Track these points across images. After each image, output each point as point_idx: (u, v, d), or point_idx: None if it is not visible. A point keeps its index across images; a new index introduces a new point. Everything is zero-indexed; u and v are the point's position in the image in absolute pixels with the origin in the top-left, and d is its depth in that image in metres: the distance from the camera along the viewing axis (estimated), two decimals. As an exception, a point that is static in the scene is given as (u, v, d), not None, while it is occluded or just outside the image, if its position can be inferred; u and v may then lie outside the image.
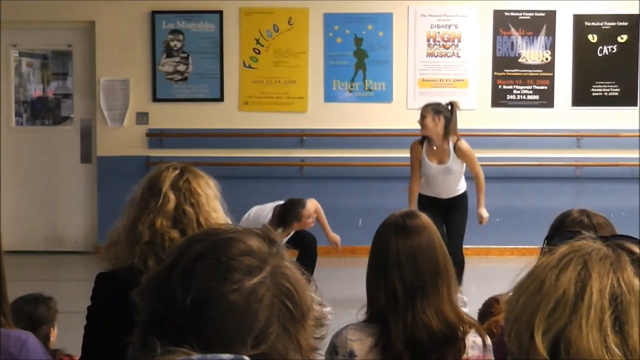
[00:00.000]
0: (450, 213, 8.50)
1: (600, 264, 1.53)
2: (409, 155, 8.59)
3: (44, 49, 11.69)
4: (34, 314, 4.81)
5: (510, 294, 1.65)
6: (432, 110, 8.38)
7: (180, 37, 11.18)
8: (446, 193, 8.56)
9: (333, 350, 3.23)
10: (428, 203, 8.42)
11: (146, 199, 3.34)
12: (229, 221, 3.33)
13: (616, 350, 1.47)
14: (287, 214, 8.31)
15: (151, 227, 3.29)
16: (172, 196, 3.31)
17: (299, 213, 8.33)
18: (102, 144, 11.23)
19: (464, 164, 8.50)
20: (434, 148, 8.41)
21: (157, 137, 11.17)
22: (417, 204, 8.52)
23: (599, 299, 1.49)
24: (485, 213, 8.71)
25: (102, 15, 11.11)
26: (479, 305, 5.21)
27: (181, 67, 11.20)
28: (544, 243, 3.70)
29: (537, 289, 1.55)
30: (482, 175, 8.65)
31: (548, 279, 1.55)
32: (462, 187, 8.62)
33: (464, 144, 8.42)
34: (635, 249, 1.58)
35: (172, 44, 11.18)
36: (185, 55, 11.19)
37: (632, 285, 1.51)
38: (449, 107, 8.45)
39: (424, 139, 8.49)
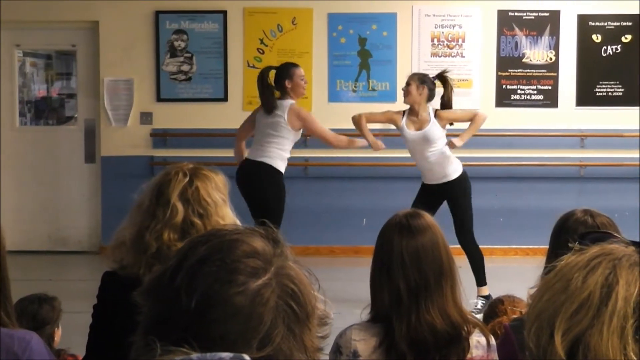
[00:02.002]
0: (449, 204, 8.34)
1: (629, 271, 1.52)
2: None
3: (47, 49, 11.69)
4: (38, 314, 4.81)
5: (535, 289, 1.63)
6: (417, 79, 8.40)
7: (184, 37, 11.18)
8: (431, 175, 8.40)
9: (337, 350, 3.24)
10: (421, 191, 8.40)
11: (154, 208, 3.32)
12: (238, 222, 3.31)
13: (635, 359, 1.46)
14: (279, 73, 8.32)
15: (158, 238, 3.26)
16: (180, 207, 3.28)
17: (291, 70, 8.29)
18: (106, 144, 11.24)
19: (444, 131, 8.37)
20: (415, 119, 8.38)
21: (161, 137, 11.17)
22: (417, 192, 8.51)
23: (624, 306, 1.48)
24: (458, 142, 8.33)
25: (106, 15, 11.12)
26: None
27: (185, 67, 11.20)
28: (550, 245, 3.71)
29: (563, 288, 1.55)
30: (481, 114, 8.47)
31: (575, 280, 1.54)
32: (451, 170, 8.37)
33: (443, 110, 8.40)
34: None
35: (176, 43, 11.18)
36: (189, 55, 11.19)
37: None
38: (437, 79, 8.48)
39: (405, 110, 8.47)
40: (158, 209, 3.30)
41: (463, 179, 8.39)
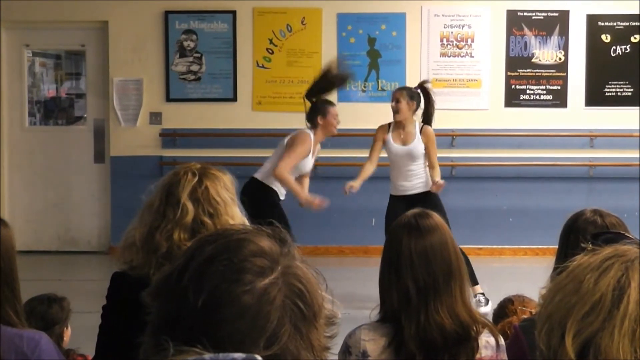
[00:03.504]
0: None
1: None
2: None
3: (57, 49, 11.71)
4: (47, 314, 4.82)
5: (546, 289, 1.63)
6: (407, 95, 8.39)
7: (194, 37, 11.19)
8: (411, 185, 8.44)
9: (346, 350, 3.23)
10: (396, 203, 8.34)
11: (164, 208, 3.32)
12: (246, 222, 3.32)
13: None
14: (314, 107, 8.16)
15: (169, 238, 3.27)
16: (190, 207, 3.29)
17: (325, 108, 8.14)
18: (116, 144, 11.25)
19: (424, 153, 8.37)
20: (401, 132, 8.42)
21: (171, 137, 11.19)
22: (388, 206, 8.54)
23: (635, 309, 1.48)
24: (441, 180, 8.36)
25: (115, 15, 11.13)
26: (493, 305, 5.19)
27: (194, 67, 11.22)
28: (559, 245, 3.71)
29: (575, 289, 1.54)
30: (437, 167, 8.41)
31: (587, 281, 1.53)
32: (427, 182, 8.41)
33: (430, 128, 8.40)
34: None
35: (185, 44, 11.19)
36: (198, 55, 11.20)
37: None
38: (420, 90, 8.49)
39: (390, 123, 8.49)
40: (168, 209, 3.31)
41: (437, 194, 8.40)
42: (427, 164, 8.40)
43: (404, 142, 8.40)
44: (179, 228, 3.27)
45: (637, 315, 1.47)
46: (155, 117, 11.20)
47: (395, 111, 8.38)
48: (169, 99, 11.21)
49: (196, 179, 3.34)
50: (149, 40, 11.19)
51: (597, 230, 3.39)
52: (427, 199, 8.18)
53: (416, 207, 7.91)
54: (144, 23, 11.17)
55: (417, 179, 8.43)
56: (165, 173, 3.54)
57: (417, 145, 8.37)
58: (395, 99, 8.42)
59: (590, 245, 1.62)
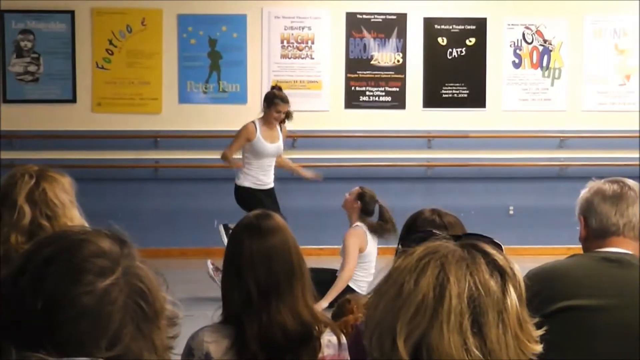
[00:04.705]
0: (274, 204, 9.04)
1: (457, 267, 1.55)
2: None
3: None
4: None
5: (369, 297, 1.65)
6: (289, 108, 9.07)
7: (31, 37, 10.94)
8: (271, 178, 9.19)
9: (189, 352, 3.21)
10: (257, 194, 8.99)
11: (0, 212, 3.25)
12: (86, 224, 3.27)
13: (476, 352, 1.50)
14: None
15: (5, 242, 3.20)
16: (27, 210, 3.22)
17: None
18: (-51, 147, 10.90)
19: None
20: (268, 132, 9.06)
21: (7, 139, 10.90)
22: (243, 198, 8.99)
23: (458, 303, 1.51)
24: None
25: (-52, 13, 10.79)
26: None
27: (32, 68, 10.97)
28: (398, 244, 3.78)
29: (397, 293, 1.56)
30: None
31: (407, 283, 1.55)
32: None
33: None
34: (489, 249, 1.60)
35: (22, 44, 10.93)
36: (36, 55, 10.96)
37: (488, 287, 1.54)
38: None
39: (254, 122, 9.12)
40: (4, 212, 3.24)
41: None
42: None
43: (273, 140, 9.05)
44: (16, 231, 3.20)
45: (460, 308, 1.51)
46: (-9, 119, 10.90)
47: (279, 115, 9.02)
48: (5, 100, 10.93)
49: (33, 181, 3.28)
50: (-17, 39, 10.88)
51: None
52: (273, 192, 9.18)
53: (270, 199, 8.76)
54: (-22, 22, 10.85)
55: (272, 173, 9.19)
56: (2, 176, 3.46)
57: (281, 143, 9.16)
58: (285, 112, 9.01)
59: (401, 247, 1.65)
